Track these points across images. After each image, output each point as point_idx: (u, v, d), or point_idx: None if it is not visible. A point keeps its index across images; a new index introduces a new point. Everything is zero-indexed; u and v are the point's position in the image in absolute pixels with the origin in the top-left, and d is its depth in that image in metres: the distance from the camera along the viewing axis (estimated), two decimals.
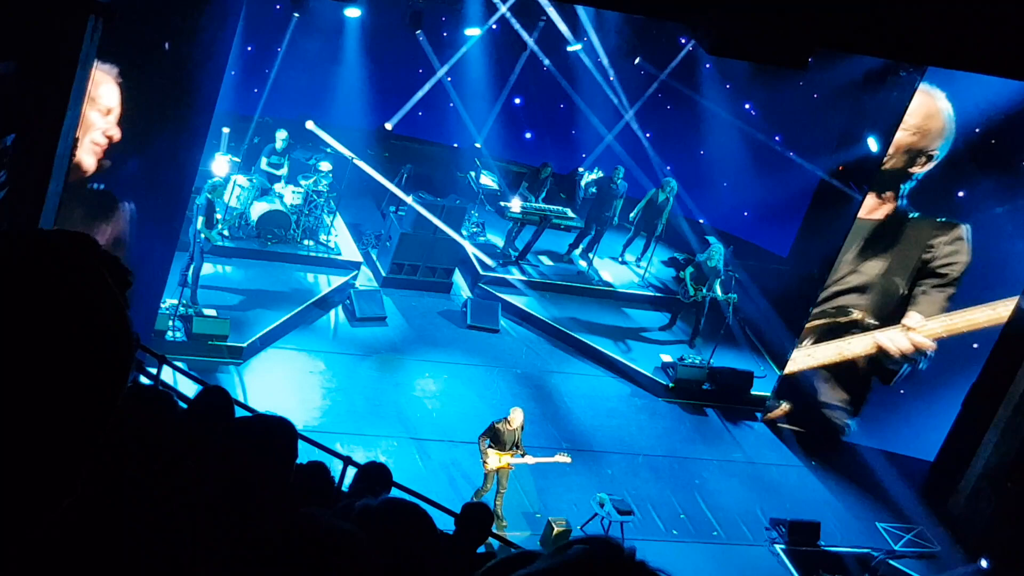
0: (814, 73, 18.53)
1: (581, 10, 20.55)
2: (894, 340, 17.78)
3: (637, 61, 22.19)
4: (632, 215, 20.67)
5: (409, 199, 18.86)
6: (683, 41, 21.23)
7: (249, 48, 20.02)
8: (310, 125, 18.95)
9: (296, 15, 19.48)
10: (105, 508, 1.90)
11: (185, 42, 12.08)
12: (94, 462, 1.46)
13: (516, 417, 13.63)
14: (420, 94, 20.93)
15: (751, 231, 22.15)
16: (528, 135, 23.44)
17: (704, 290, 18.84)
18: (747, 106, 21.81)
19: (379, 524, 3.36)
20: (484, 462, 13.56)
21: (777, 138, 21.62)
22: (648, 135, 22.18)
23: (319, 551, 2.64)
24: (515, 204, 19.90)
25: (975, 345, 17.47)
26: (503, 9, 20.78)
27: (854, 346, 18.00)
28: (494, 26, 21.26)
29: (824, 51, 16.12)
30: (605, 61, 21.52)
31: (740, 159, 21.90)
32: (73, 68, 8.97)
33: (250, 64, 20.18)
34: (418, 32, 20.58)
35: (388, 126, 20.67)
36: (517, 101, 23.08)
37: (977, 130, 16.74)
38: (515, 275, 19.75)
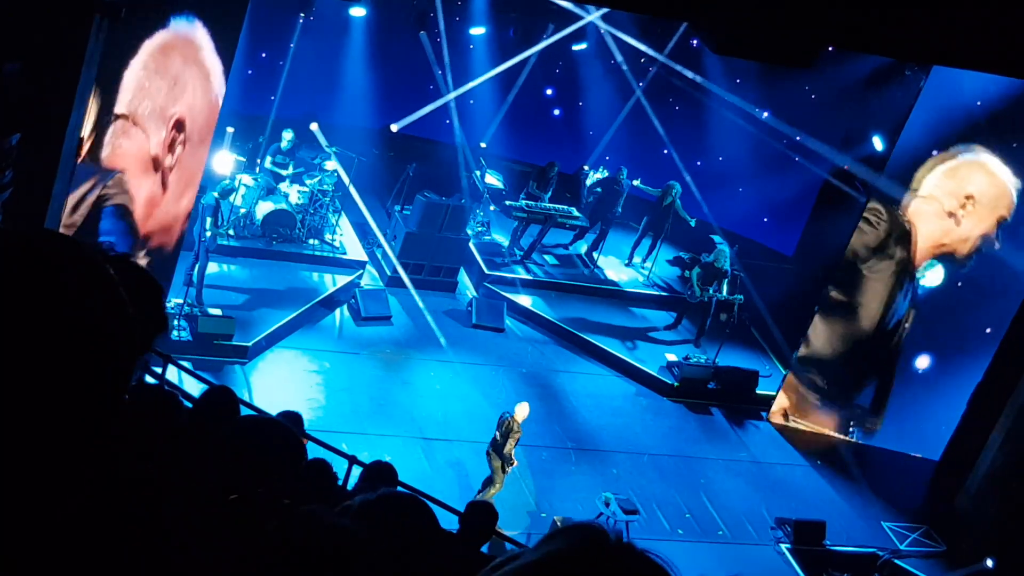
0: (820, 72, 18.53)
1: (590, 8, 20.54)
2: None
3: (643, 60, 22.17)
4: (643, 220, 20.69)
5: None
6: (693, 43, 21.21)
7: (264, 55, 20.09)
8: (314, 127, 19.00)
9: (302, 15, 19.49)
10: (109, 508, 1.89)
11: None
12: (100, 461, 1.46)
13: (522, 411, 13.69)
14: (434, 105, 20.88)
15: (756, 230, 22.13)
16: (556, 112, 23.23)
17: (711, 291, 18.83)
18: (762, 112, 21.74)
19: (378, 517, 3.36)
20: (508, 468, 13.60)
21: (784, 139, 21.57)
22: (661, 136, 22.17)
23: (319, 549, 2.64)
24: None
25: (988, 329, 17.31)
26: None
27: None
28: (511, 33, 21.29)
29: (830, 50, 16.15)
30: (619, 58, 21.57)
31: (745, 158, 21.87)
32: (79, 67, 8.98)
33: (266, 65, 20.23)
34: (422, 33, 20.55)
35: (394, 128, 20.64)
36: (549, 92, 23.07)
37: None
38: (520, 274, 19.79)
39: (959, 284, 17.28)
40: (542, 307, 19.12)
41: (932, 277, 17.37)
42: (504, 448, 13.44)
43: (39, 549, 1.46)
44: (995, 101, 16.18)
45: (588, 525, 1.47)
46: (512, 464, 13.56)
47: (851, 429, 18.10)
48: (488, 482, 13.70)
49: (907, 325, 17.63)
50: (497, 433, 13.57)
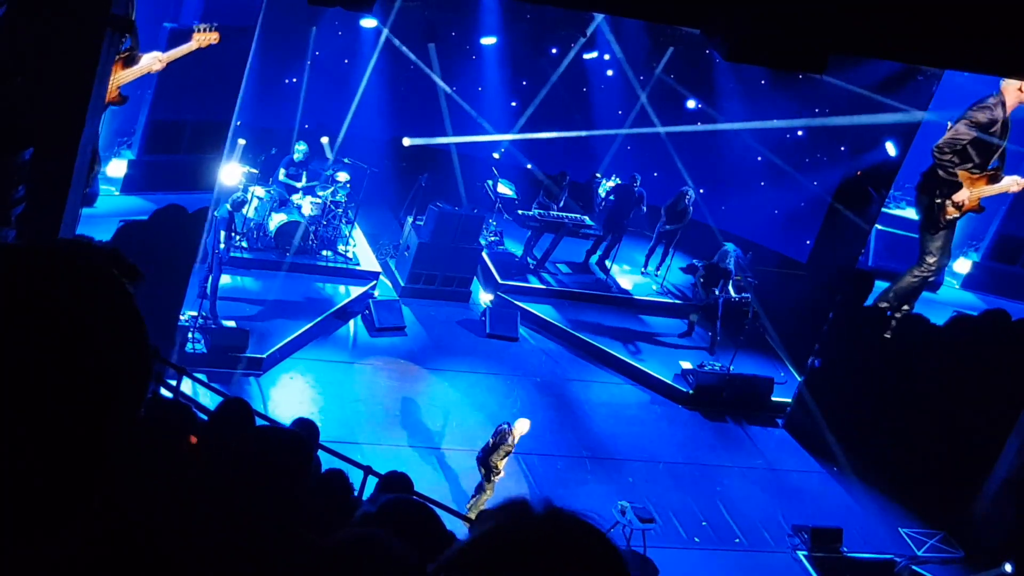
0: (832, 77, 18.48)
1: (600, 17, 20.55)
2: None
3: (656, 68, 22.16)
4: (658, 225, 20.65)
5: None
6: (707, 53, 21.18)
7: (295, 80, 20.11)
8: (324, 140, 19.05)
9: (314, 28, 19.55)
10: (124, 520, 1.89)
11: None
12: (114, 473, 1.45)
13: (522, 428, 13.59)
14: (447, 140, 20.93)
15: (771, 237, 22.07)
16: (609, 72, 22.86)
17: (716, 291, 18.80)
18: (796, 132, 21.66)
19: (385, 527, 3.35)
20: (494, 478, 13.52)
21: (796, 142, 21.52)
22: (671, 144, 22.12)
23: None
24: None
25: None
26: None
27: None
28: (554, 51, 21.32)
29: (842, 55, 16.10)
30: (629, 72, 21.57)
31: (759, 165, 21.83)
32: (90, 82, 9.00)
33: (280, 78, 20.29)
34: (430, 44, 20.55)
35: (406, 142, 20.64)
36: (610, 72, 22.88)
37: None
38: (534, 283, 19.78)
39: None
40: (556, 316, 19.10)
41: None
42: (491, 457, 13.37)
43: (54, 564, 1.46)
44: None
45: (514, 500, 1.51)
46: (498, 474, 13.47)
47: None
48: (479, 489, 13.67)
49: None
50: (491, 440, 13.51)
